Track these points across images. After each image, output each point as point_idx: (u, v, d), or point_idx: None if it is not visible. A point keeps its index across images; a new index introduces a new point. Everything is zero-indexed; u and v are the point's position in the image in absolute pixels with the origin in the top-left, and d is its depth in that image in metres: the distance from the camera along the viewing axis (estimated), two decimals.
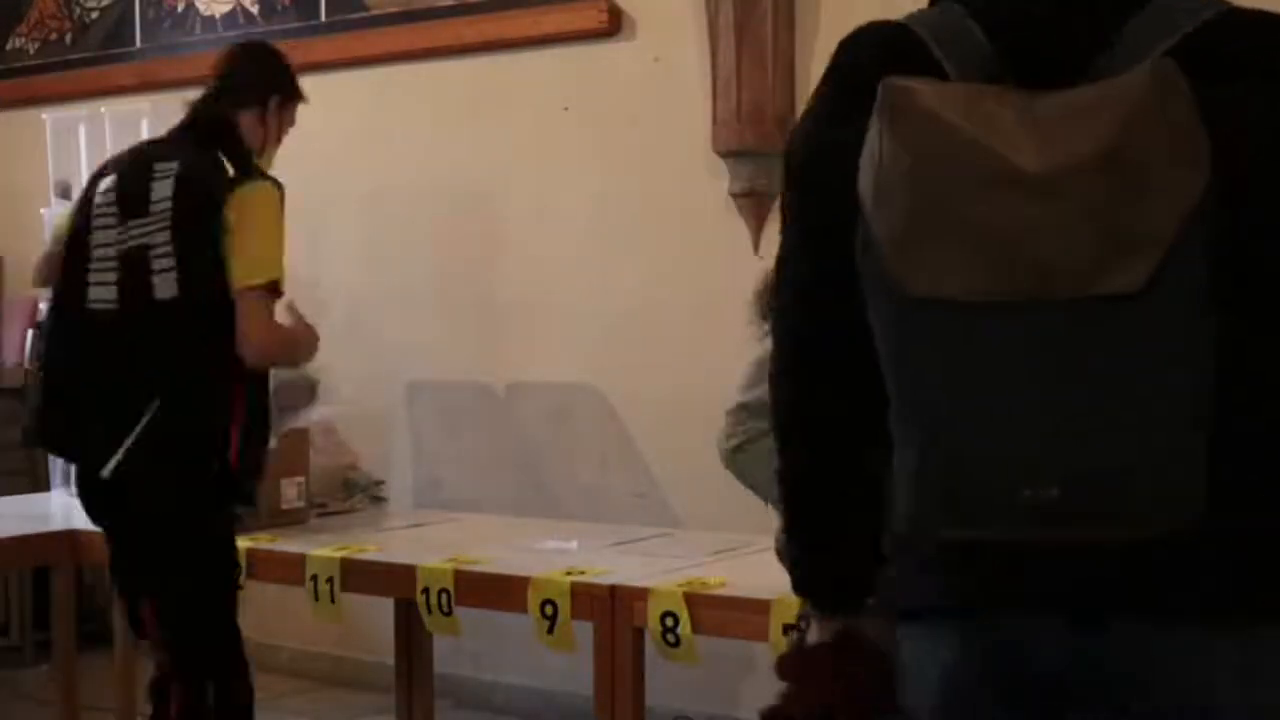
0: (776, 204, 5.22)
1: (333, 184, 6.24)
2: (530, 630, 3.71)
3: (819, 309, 1.76)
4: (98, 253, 3.80)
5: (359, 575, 4.04)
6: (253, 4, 6.44)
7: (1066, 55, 1.64)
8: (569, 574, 3.70)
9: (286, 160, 6.15)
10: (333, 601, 4.04)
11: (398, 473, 5.71)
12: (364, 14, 6.13)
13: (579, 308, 5.67)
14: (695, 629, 3.46)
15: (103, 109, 5.53)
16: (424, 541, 4.36)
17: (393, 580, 4.01)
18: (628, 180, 5.56)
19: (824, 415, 1.79)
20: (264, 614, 5.68)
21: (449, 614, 3.82)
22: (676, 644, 3.48)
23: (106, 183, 3.91)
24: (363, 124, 6.20)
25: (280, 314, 3.95)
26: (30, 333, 6.67)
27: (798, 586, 1.87)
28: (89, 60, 6.96)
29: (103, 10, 6.94)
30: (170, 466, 3.67)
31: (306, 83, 6.35)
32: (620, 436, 5.59)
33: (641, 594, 3.54)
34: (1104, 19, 1.64)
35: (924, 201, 1.56)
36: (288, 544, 4.26)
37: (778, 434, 1.84)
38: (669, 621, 3.47)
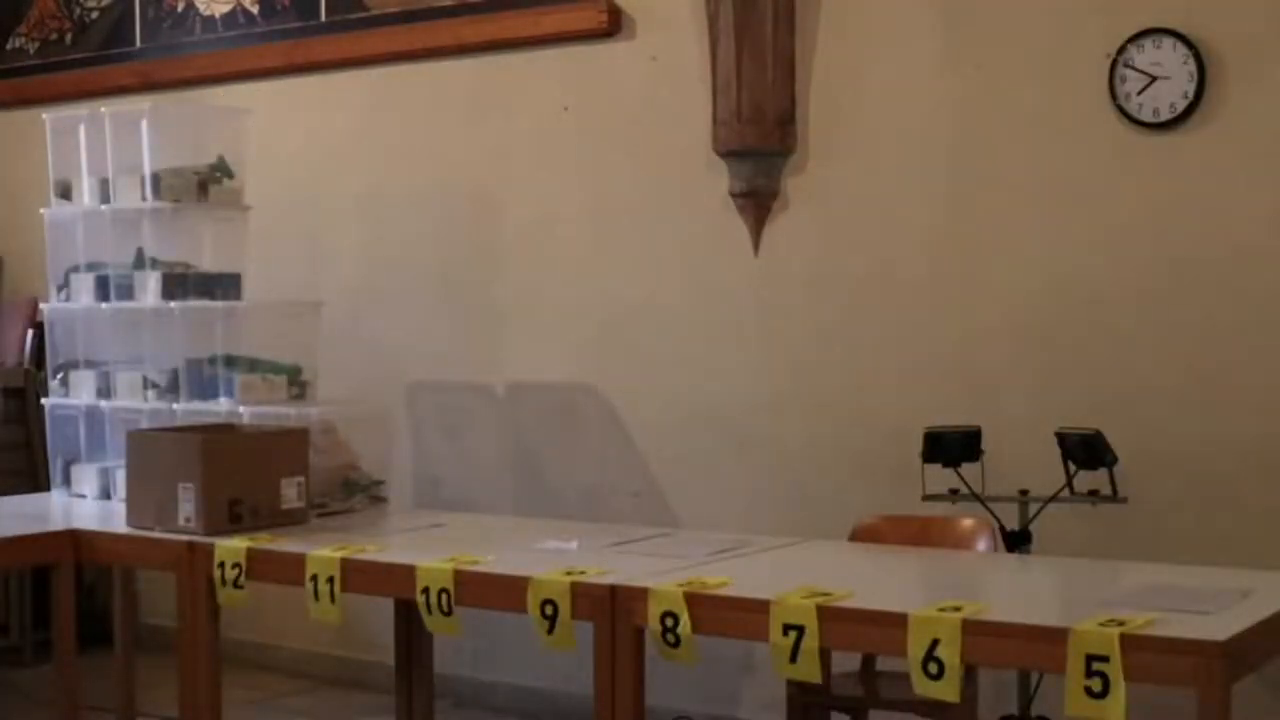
0: (776, 204, 5.25)
1: (332, 184, 6.25)
2: (530, 630, 3.71)
3: None
4: None
5: (359, 575, 4.03)
6: (253, 4, 6.44)
7: None
8: (569, 574, 3.70)
9: (287, 160, 6.17)
10: (333, 601, 4.03)
11: (398, 473, 5.70)
12: (364, 14, 6.13)
13: (579, 308, 5.67)
14: (695, 629, 3.45)
15: (103, 109, 5.51)
16: (424, 541, 4.36)
17: (393, 580, 4.01)
18: (628, 180, 5.56)
19: None
20: (264, 614, 5.69)
21: (449, 614, 3.82)
22: (676, 644, 3.47)
23: None
24: (363, 124, 6.20)
25: None
26: (30, 332, 6.68)
27: None
28: (89, 60, 6.97)
29: (103, 10, 6.94)
30: None
31: (306, 83, 6.40)
32: (620, 436, 5.59)
33: (641, 594, 3.54)
34: None
35: None
36: (288, 544, 4.25)
37: None
38: (669, 621, 3.47)
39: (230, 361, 5.08)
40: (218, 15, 6.55)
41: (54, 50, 7.10)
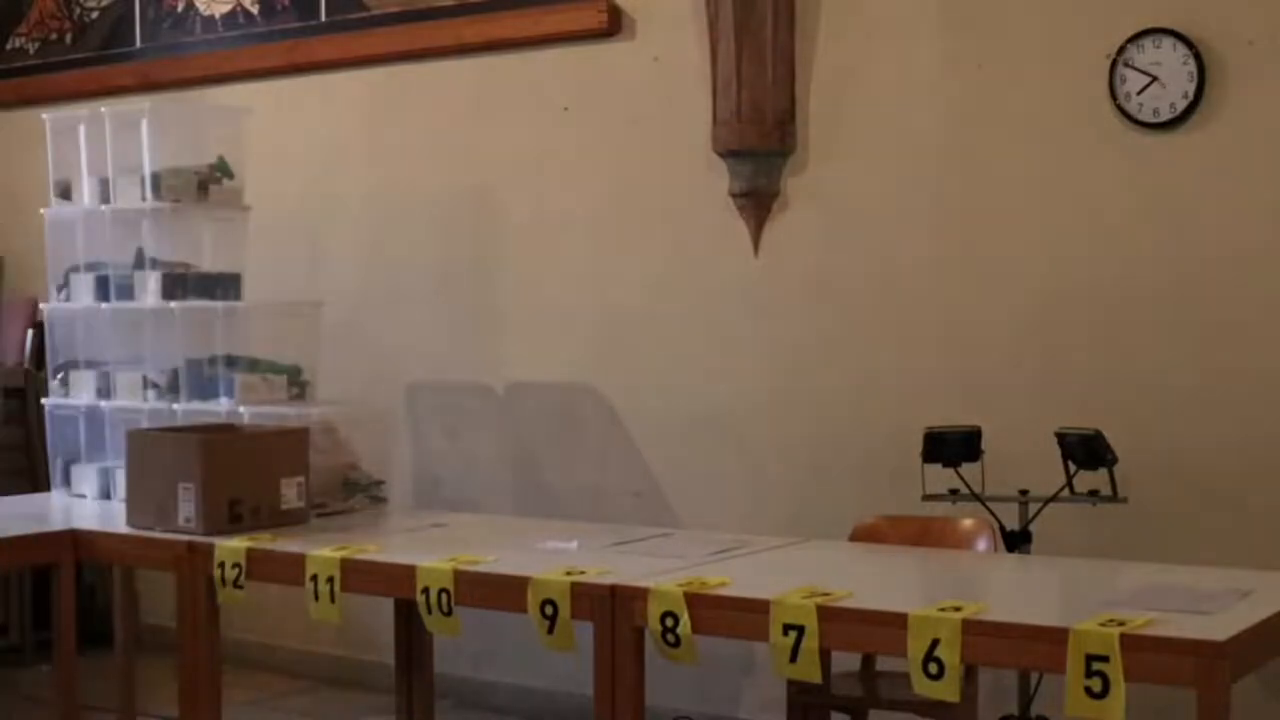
0: (776, 204, 5.24)
1: (333, 184, 6.25)
2: (530, 630, 3.71)
3: None
4: None
5: (359, 575, 4.03)
6: (253, 4, 6.44)
7: None
8: (569, 574, 3.70)
9: (287, 161, 6.17)
10: (333, 601, 4.03)
11: (398, 473, 5.71)
12: (364, 14, 6.13)
13: (579, 308, 5.67)
14: (695, 629, 3.45)
15: (103, 109, 5.51)
16: (424, 541, 4.36)
17: (393, 580, 4.01)
18: (628, 180, 5.56)
19: None
20: (264, 614, 5.69)
21: (449, 614, 3.82)
22: (676, 644, 3.47)
23: None
24: (363, 124, 6.19)
25: None
26: (30, 332, 6.68)
27: None
28: (89, 60, 6.97)
29: (103, 10, 6.94)
30: None
31: (306, 83, 6.40)
32: (620, 436, 5.59)
33: (641, 594, 3.54)
34: None
35: None
36: (288, 544, 4.25)
37: None
38: (669, 621, 3.47)
39: (230, 362, 5.08)
40: (218, 15, 6.55)
41: (54, 50, 7.10)
